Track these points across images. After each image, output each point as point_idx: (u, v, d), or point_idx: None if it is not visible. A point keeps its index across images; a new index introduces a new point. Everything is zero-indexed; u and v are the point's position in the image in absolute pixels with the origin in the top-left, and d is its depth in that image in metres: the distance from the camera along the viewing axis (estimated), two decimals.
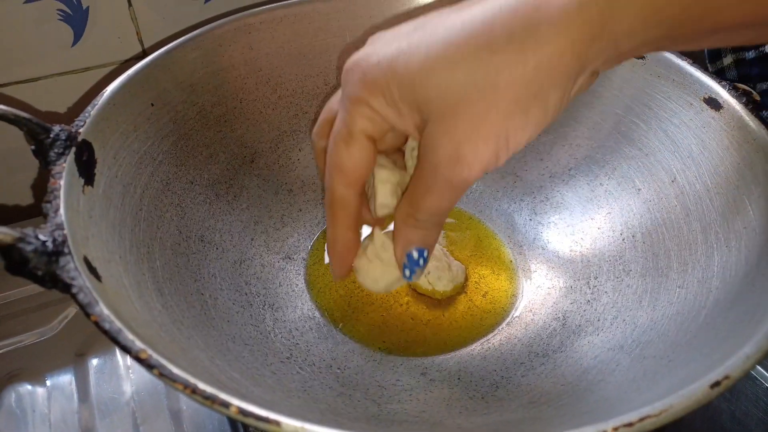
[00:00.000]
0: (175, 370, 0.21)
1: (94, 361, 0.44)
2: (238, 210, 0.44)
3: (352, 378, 0.35)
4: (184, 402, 0.41)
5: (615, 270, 0.40)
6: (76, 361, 0.44)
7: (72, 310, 0.47)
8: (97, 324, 0.23)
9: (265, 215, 0.45)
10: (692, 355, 0.27)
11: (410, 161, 0.32)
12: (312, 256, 0.44)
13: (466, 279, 0.43)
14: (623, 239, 0.41)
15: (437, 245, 0.42)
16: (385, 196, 0.31)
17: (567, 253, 0.43)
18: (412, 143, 0.31)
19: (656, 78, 0.42)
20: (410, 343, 0.39)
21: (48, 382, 0.43)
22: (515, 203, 0.48)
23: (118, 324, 0.23)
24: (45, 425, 0.40)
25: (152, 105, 0.40)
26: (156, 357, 0.22)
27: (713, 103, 0.38)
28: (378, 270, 0.39)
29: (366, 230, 0.33)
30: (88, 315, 0.23)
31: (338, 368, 0.36)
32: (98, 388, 0.42)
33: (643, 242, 0.39)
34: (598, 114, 0.46)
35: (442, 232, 0.44)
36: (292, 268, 0.43)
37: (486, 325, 0.40)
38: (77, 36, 0.52)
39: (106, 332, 0.22)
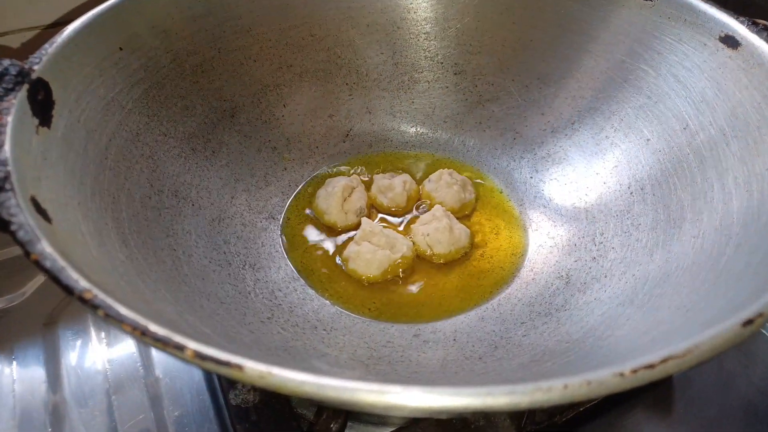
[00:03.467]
0: (124, 311, 0.18)
1: (65, 331, 0.41)
2: (217, 166, 0.41)
3: (338, 339, 0.32)
4: (161, 370, 0.39)
5: (623, 225, 0.37)
6: (45, 330, 0.41)
7: (41, 278, 0.44)
8: (37, 263, 0.20)
9: (246, 173, 0.42)
10: (713, 301, 0.24)
11: None
12: (295, 216, 0.41)
13: (472, 244, 0.39)
14: (631, 193, 0.38)
15: (440, 207, 0.39)
16: None
17: (570, 210, 0.41)
18: None
19: (666, 20, 0.39)
20: (401, 307, 0.36)
21: (15, 352, 0.40)
22: (515, 161, 0.45)
23: (61, 262, 0.20)
24: (9, 396, 0.37)
25: (120, 49, 0.37)
26: (102, 297, 0.19)
27: (730, 41, 0.35)
28: (369, 252, 0.37)
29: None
30: (28, 254, 0.20)
31: (324, 329, 0.33)
32: (68, 358, 0.39)
33: (653, 194, 0.37)
34: (602, 62, 0.42)
35: (450, 189, 0.41)
36: (275, 228, 0.40)
37: (484, 287, 0.37)
38: None
39: (46, 271, 0.20)
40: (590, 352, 0.27)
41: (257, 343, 0.29)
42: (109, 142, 0.34)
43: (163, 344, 0.17)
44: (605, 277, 0.34)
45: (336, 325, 0.34)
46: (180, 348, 0.17)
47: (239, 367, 0.17)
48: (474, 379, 0.28)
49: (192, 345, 0.17)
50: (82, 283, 0.19)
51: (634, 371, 0.17)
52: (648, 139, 0.39)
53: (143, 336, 0.18)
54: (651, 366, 0.17)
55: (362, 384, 0.17)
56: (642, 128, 0.40)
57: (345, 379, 0.17)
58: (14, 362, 0.39)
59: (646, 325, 0.26)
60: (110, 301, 0.19)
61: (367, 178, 0.44)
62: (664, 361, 0.17)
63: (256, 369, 0.17)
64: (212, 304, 0.30)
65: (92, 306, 0.18)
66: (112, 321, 0.18)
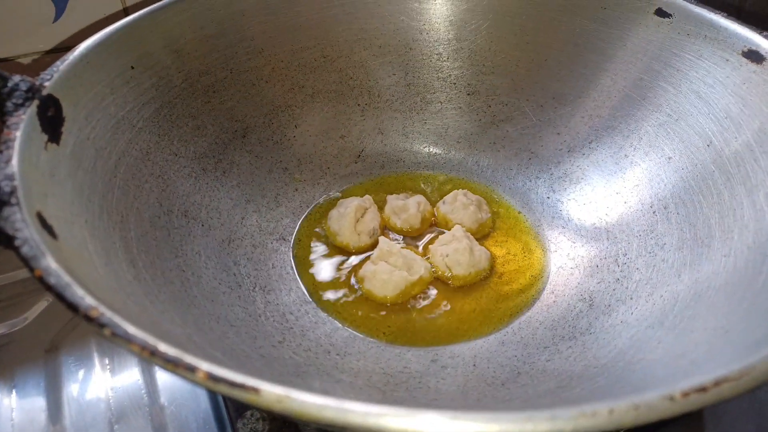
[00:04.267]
0: (132, 330, 0.17)
1: (68, 357, 0.40)
2: (228, 187, 0.40)
3: (353, 364, 0.31)
4: (166, 398, 0.37)
5: (647, 245, 0.36)
6: (47, 357, 0.40)
7: (44, 303, 0.43)
8: (41, 279, 0.19)
9: (257, 194, 0.41)
10: (755, 321, 0.23)
11: None
12: (306, 238, 0.40)
13: (492, 267, 0.38)
14: (654, 212, 0.37)
15: (459, 227, 0.38)
16: None
17: (591, 231, 0.39)
18: None
19: (685, 36, 0.38)
20: (418, 331, 0.34)
21: (15, 379, 0.38)
22: (531, 181, 0.44)
23: (66, 278, 0.19)
24: (7, 425, 0.36)
25: (132, 68, 0.36)
26: (109, 315, 0.17)
27: (754, 56, 0.34)
28: (385, 272, 0.35)
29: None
30: (32, 270, 0.19)
31: (337, 354, 0.32)
32: (69, 386, 0.38)
33: (677, 213, 0.35)
34: (619, 81, 0.42)
35: (467, 210, 0.40)
36: (286, 249, 0.39)
37: (504, 311, 0.36)
38: (59, 11, 0.49)
39: (50, 287, 0.18)
40: (621, 376, 0.25)
41: (269, 367, 0.27)
42: (118, 160, 0.33)
43: (174, 365, 0.16)
44: (631, 299, 0.33)
45: (350, 350, 0.32)
46: (191, 369, 0.16)
47: (255, 390, 0.16)
48: (498, 406, 0.26)
49: (204, 366, 0.16)
50: (87, 300, 0.18)
51: (686, 395, 0.15)
52: (670, 157, 0.38)
53: (153, 356, 0.16)
54: (703, 389, 0.16)
55: (390, 409, 0.15)
56: (663, 146, 0.39)
57: (370, 403, 0.15)
58: (14, 390, 0.38)
59: (681, 347, 0.25)
60: (117, 320, 0.17)
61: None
62: (717, 383, 0.16)
63: (273, 392, 0.15)
64: (222, 326, 0.29)
65: (99, 324, 0.17)
66: (119, 340, 0.17)
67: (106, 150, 0.33)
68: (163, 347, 0.17)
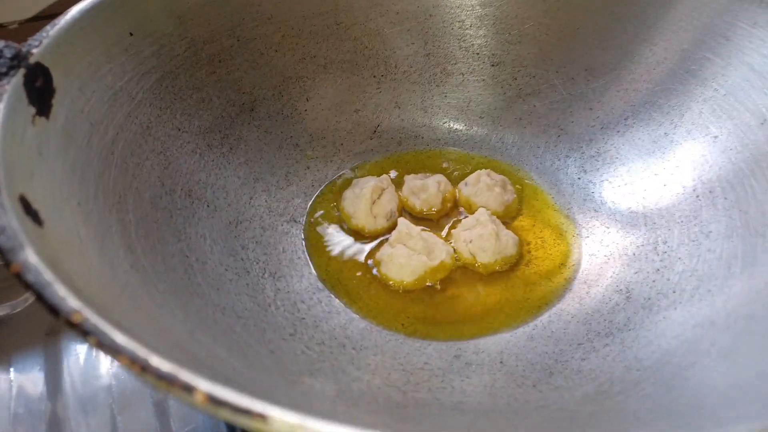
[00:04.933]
0: (121, 339, 0.15)
1: (68, 341, 0.38)
2: (235, 164, 0.37)
3: (369, 360, 0.29)
4: None
5: (689, 233, 0.33)
6: (47, 340, 0.38)
7: None
8: (18, 276, 0.16)
9: (266, 172, 0.39)
10: None
11: None
12: (318, 220, 0.38)
13: (520, 253, 0.35)
14: (697, 196, 0.34)
15: (484, 210, 0.35)
16: None
17: (626, 215, 0.36)
18: None
19: (737, 2, 0.35)
20: (439, 322, 0.32)
21: (13, 363, 0.37)
22: (560, 160, 0.41)
23: (48, 276, 0.16)
24: (5, 411, 0.34)
25: (131, 34, 0.33)
26: (95, 321, 0.15)
27: None
28: (403, 256, 0.33)
29: None
30: (8, 264, 0.17)
31: (353, 348, 0.29)
32: (70, 372, 0.36)
33: (725, 198, 0.32)
34: (659, 51, 0.38)
35: (491, 192, 0.37)
36: (297, 232, 0.37)
37: (532, 301, 0.33)
38: None
39: (29, 286, 0.16)
40: (672, 384, 0.23)
41: (279, 365, 0.25)
42: (116, 135, 0.31)
43: (168, 383, 0.14)
44: (673, 292, 0.30)
45: (366, 343, 0.30)
46: (188, 389, 0.14)
47: (262, 417, 0.13)
48: (531, 412, 0.24)
49: (203, 386, 0.14)
50: (70, 302, 0.15)
51: None
52: (716, 136, 0.35)
53: (143, 372, 0.14)
54: None
55: None
56: (708, 124, 0.35)
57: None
58: (12, 374, 0.36)
59: (742, 353, 0.22)
60: (104, 326, 0.15)
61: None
62: None
63: (285, 421, 0.13)
64: (228, 318, 0.27)
65: (82, 332, 0.15)
66: (106, 350, 0.14)
67: (102, 124, 0.30)
68: (156, 361, 0.14)
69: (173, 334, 0.21)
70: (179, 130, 0.35)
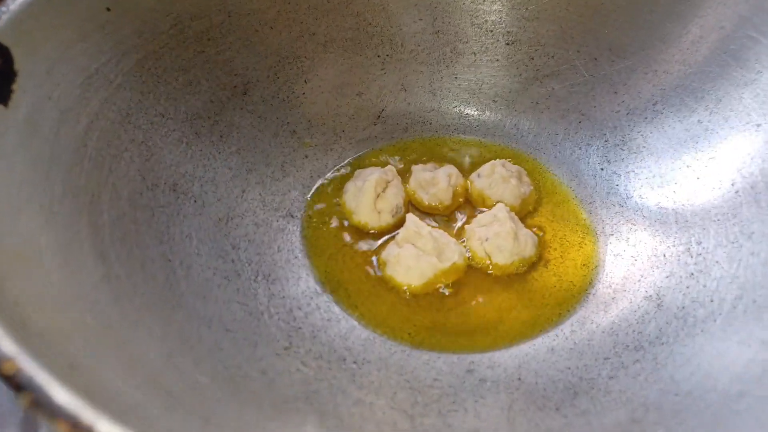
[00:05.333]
0: (62, 398, 0.12)
1: None
2: (226, 154, 0.34)
3: (372, 376, 0.26)
4: None
5: (727, 233, 0.29)
6: None
7: None
8: None
9: (261, 162, 0.35)
10: None
11: None
12: (318, 214, 0.35)
13: (539, 255, 0.32)
14: (737, 191, 0.31)
15: (503, 206, 0.32)
16: None
17: (654, 211, 0.33)
18: None
19: None
20: (449, 331, 0.29)
21: None
22: (581, 149, 0.38)
23: None
24: None
25: (108, 9, 0.30)
26: (29, 373, 0.12)
27: None
28: (411, 256, 0.30)
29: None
30: None
31: (354, 362, 0.26)
32: None
33: None
34: (694, 29, 0.35)
35: (507, 184, 0.34)
36: (294, 228, 0.34)
37: (551, 307, 0.30)
38: None
39: None
40: (719, 417, 0.20)
41: (271, 389, 0.22)
42: (90, 124, 0.27)
43: None
44: (711, 301, 0.27)
45: (369, 356, 0.27)
46: None
47: None
48: None
49: None
50: (4, 346, 0.12)
51: None
52: (758, 125, 0.31)
53: None
54: None
55: None
56: (749, 111, 0.32)
57: None
58: None
59: None
60: (43, 379, 0.12)
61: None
62: None
63: None
64: (214, 333, 0.24)
65: (15, 387, 0.12)
66: (42, 413, 0.12)
67: (73, 112, 0.27)
68: (106, 427, 0.11)
69: (146, 363, 0.18)
70: (163, 116, 0.32)
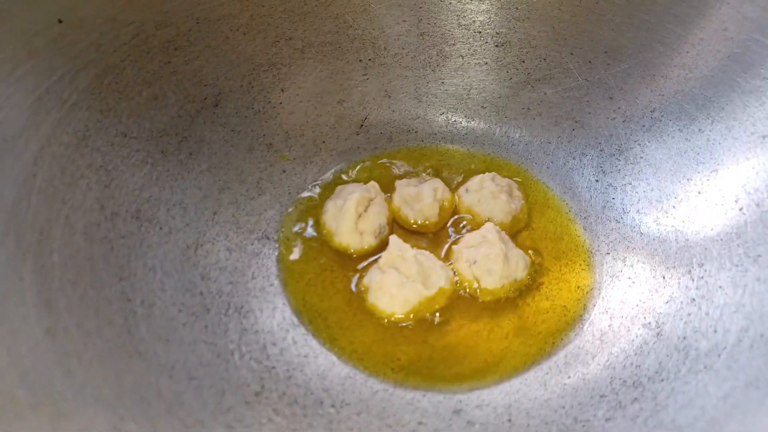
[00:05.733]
0: None
1: None
2: (195, 173, 0.32)
3: (351, 422, 0.24)
4: None
5: (731, 254, 0.28)
6: None
7: None
8: None
9: (234, 179, 0.33)
10: None
11: None
12: (296, 236, 0.32)
13: (531, 277, 0.30)
14: (741, 209, 0.29)
15: (492, 226, 0.30)
16: None
17: (653, 228, 0.31)
18: None
19: None
20: (435, 365, 0.27)
21: None
22: (574, 158, 0.35)
23: None
24: None
25: (60, 22, 0.27)
26: None
27: None
28: (394, 284, 0.28)
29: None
30: None
31: (332, 406, 0.24)
32: None
33: None
34: (694, 31, 0.32)
35: (497, 200, 0.32)
36: (270, 252, 0.32)
37: (544, 336, 0.28)
38: None
39: None
40: None
41: None
42: (40, 151, 0.25)
43: None
44: (715, 332, 0.25)
45: (348, 398, 0.25)
46: None
47: None
48: None
49: None
50: None
51: None
52: (764, 136, 0.29)
53: None
54: None
55: None
56: (754, 121, 0.30)
57: None
58: None
59: None
60: None
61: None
62: None
63: None
64: (177, 384, 0.22)
65: None
66: None
67: (20, 139, 0.24)
68: None
69: None
70: (125, 135, 0.29)
